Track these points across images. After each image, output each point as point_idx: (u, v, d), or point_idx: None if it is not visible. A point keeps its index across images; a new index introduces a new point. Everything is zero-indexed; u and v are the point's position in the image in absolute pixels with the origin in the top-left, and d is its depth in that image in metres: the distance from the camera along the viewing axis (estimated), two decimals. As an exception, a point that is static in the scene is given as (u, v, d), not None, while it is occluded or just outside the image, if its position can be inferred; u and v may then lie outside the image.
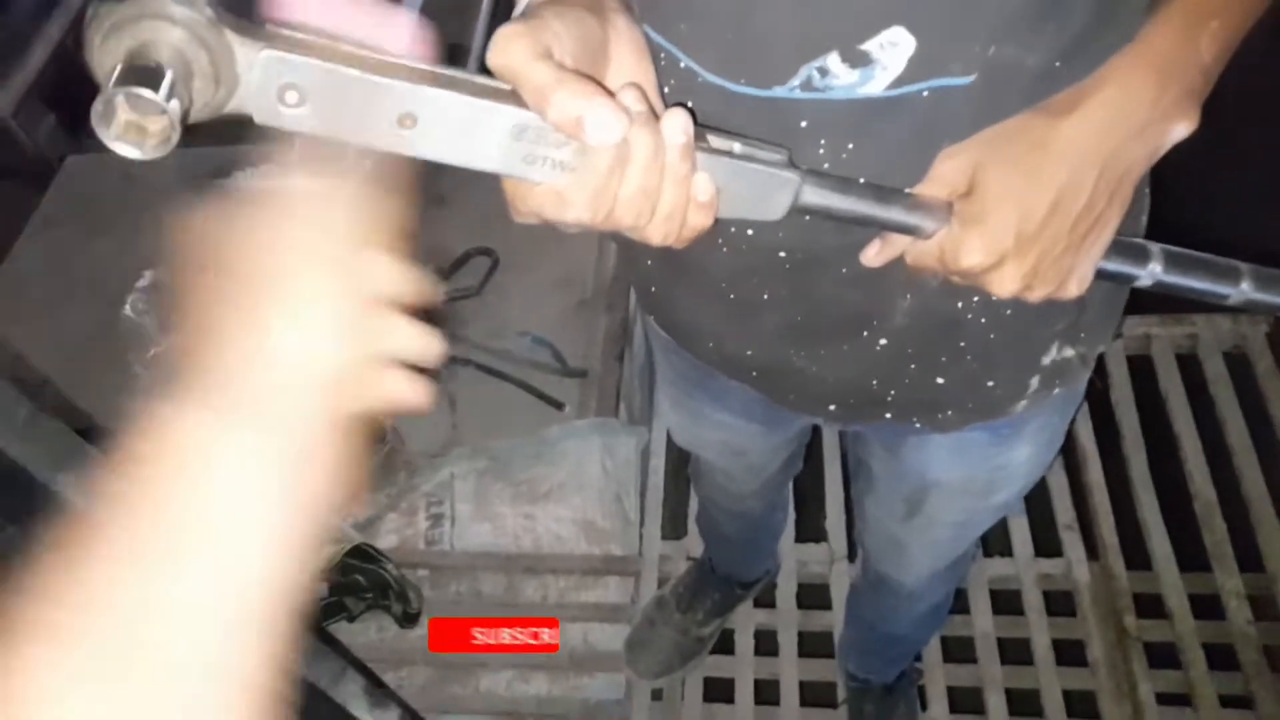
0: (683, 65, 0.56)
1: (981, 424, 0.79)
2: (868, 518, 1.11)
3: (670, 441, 1.78)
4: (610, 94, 0.44)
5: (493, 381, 1.77)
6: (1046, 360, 0.72)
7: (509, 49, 0.42)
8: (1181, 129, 0.52)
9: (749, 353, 0.77)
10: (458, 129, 0.43)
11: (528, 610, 1.62)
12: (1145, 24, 0.51)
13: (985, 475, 0.88)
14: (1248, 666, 1.54)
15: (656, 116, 0.45)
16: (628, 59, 0.48)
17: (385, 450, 1.75)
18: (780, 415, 0.93)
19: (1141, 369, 1.84)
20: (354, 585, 1.58)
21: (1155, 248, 0.57)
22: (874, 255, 0.59)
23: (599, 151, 0.44)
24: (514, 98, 0.43)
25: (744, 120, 0.55)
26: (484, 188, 0.50)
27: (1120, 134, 0.51)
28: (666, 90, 0.57)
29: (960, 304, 0.66)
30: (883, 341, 0.69)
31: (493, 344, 1.80)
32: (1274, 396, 1.76)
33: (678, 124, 0.45)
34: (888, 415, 0.79)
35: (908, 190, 0.55)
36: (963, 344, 0.69)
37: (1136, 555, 1.66)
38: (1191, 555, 1.65)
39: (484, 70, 0.44)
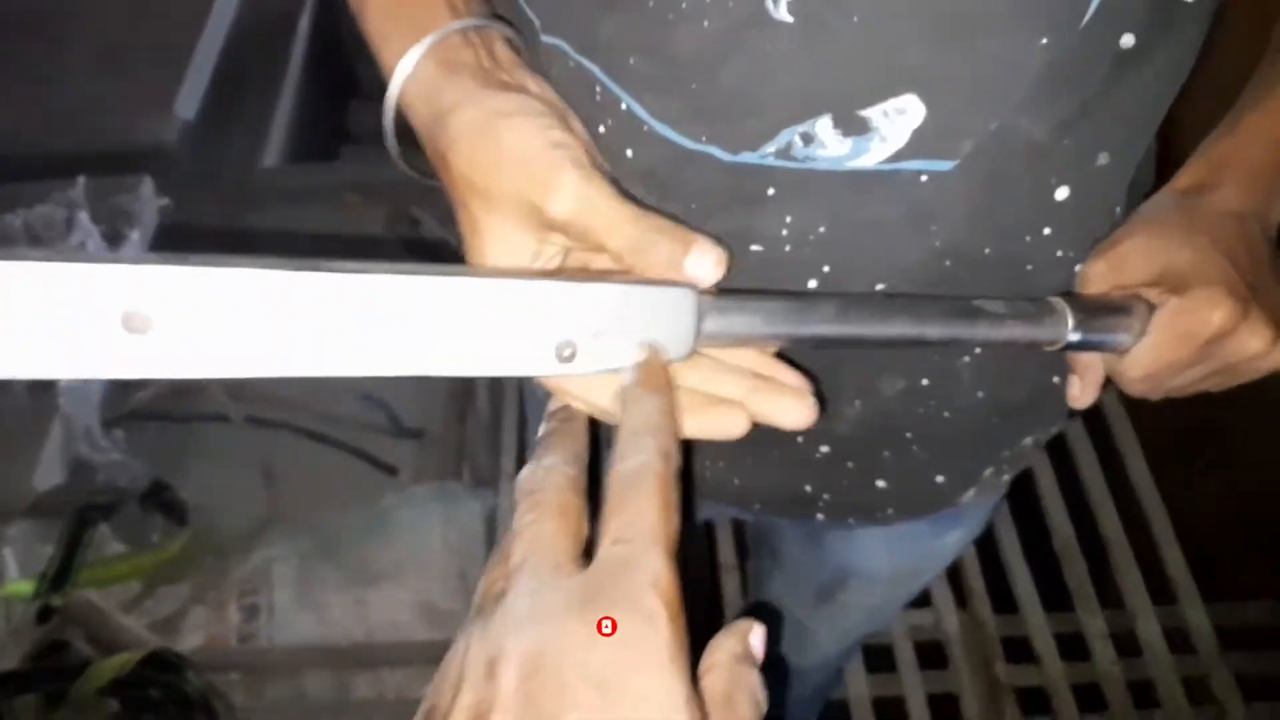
0: (624, 107, 0.42)
1: (923, 516, 0.69)
2: (768, 599, 0.98)
3: (521, 506, 1.61)
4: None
5: (315, 447, 1.56)
6: (1007, 452, 0.63)
7: (584, 189, 0.36)
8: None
9: None
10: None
11: (362, 711, 1.41)
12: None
13: (913, 563, 0.78)
14: (1115, 706, 1.54)
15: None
16: None
17: (187, 533, 1.51)
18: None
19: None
20: (146, 701, 1.32)
21: None
22: (1084, 394, 0.51)
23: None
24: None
25: (697, 181, 0.43)
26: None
27: (1251, 203, 0.49)
28: (602, 130, 0.43)
29: (921, 410, 0.55)
30: (823, 449, 0.58)
31: (316, 405, 1.59)
32: (1118, 420, 1.78)
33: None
34: (819, 516, 0.67)
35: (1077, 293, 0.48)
36: (915, 447, 0.59)
37: (1002, 599, 1.63)
38: (1055, 596, 1.64)
39: None
